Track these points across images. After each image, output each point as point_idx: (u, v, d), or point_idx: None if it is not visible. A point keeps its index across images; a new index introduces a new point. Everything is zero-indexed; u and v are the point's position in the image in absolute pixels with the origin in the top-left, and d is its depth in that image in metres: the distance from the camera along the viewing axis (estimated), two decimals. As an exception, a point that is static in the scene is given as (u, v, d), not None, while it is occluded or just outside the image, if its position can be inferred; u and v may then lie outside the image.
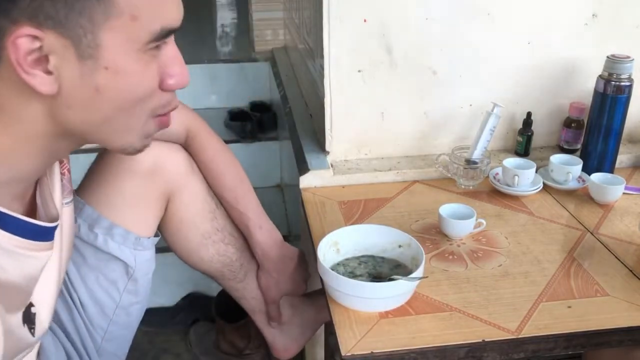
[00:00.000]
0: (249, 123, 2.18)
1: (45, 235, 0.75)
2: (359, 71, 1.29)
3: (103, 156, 1.02)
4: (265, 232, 1.12)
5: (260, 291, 1.16)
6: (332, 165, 1.34)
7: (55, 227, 0.77)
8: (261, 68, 2.34)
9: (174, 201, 1.06)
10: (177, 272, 1.10)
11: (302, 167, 1.32)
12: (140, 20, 0.61)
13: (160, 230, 1.09)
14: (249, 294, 1.18)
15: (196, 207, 1.08)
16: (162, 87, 0.68)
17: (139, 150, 0.74)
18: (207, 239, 1.10)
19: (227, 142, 1.61)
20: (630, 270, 1.02)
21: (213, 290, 1.20)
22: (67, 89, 0.62)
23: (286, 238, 1.16)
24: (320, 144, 1.39)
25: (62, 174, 0.85)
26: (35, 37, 0.58)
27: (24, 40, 0.58)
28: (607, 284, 0.98)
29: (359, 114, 1.33)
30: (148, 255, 1.05)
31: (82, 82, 0.62)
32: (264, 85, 2.36)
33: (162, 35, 0.64)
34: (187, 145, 1.07)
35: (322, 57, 1.27)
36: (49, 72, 0.60)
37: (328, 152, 1.36)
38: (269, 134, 2.23)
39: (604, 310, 0.92)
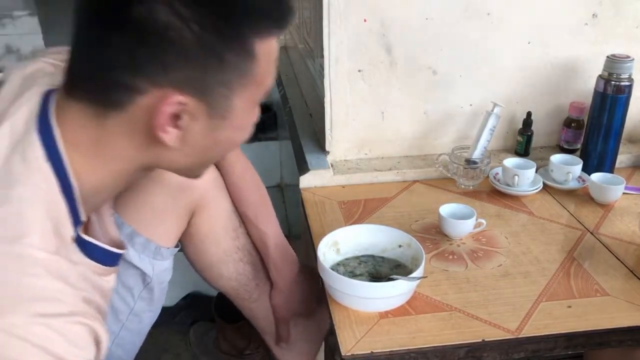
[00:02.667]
0: (249, 123, 2.18)
1: (115, 260, 0.80)
2: (359, 71, 1.29)
3: None
4: (282, 252, 1.13)
5: (272, 309, 1.17)
6: (332, 165, 1.34)
7: (121, 255, 0.81)
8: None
9: (200, 216, 1.06)
10: (177, 272, 1.10)
11: (302, 167, 1.32)
12: (264, 84, 0.69)
13: (182, 242, 1.10)
14: (260, 314, 1.18)
15: (220, 223, 1.09)
16: None
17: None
18: (228, 256, 1.10)
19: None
20: (630, 270, 1.02)
21: (213, 290, 1.20)
22: (190, 141, 0.67)
23: (286, 238, 1.16)
24: (320, 144, 1.39)
25: None
26: (180, 103, 0.63)
27: (169, 106, 0.62)
28: (607, 284, 0.98)
29: (359, 114, 1.33)
30: (166, 265, 1.05)
31: (206, 136, 0.68)
32: (264, 85, 2.36)
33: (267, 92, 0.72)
34: (217, 161, 1.09)
35: (322, 57, 1.27)
36: (178, 128, 0.65)
37: (328, 152, 1.36)
38: (269, 134, 2.22)
39: (604, 310, 0.92)
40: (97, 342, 0.62)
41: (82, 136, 0.66)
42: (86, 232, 0.76)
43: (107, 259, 0.76)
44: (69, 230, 0.66)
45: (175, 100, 0.62)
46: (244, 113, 0.70)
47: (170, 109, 0.63)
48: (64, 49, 0.78)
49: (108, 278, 0.79)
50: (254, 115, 0.73)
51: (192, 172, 0.78)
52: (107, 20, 0.61)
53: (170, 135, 0.65)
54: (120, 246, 0.81)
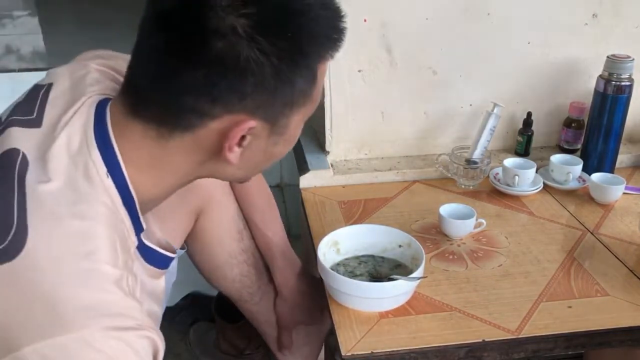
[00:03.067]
0: (249, 123, 2.18)
1: (167, 263, 0.83)
2: (359, 71, 1.29)
3: None
4: (287, 260, 1.13)
5: (276, 317, 1.17)
6: (332, 165, 1.33)
7: (173, 258, 0.84)
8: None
9: (205, 217, 1.07)
10: (177, 272, 1.10)
11: (302, 167, 1.32)
12: (317, 100, 0.72)
13: (187, 244, 1.10)
14: (262, 317, 1.18)
15: (226, 225, 1.09)
16: None
17: None
18: (232, 259, 1.11)
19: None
20: (630, 270, 1.02)
21: (213, 290, 1.20)
22: (248, 157, 0.70)
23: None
24: (320, 144, 1.39)
25: None
26: (251, 128, 0.66)
27: (242, 130, 0.65)
28: (607, 284, 0.98)
29: (359, 114, 1.33)
30: (171, 267, 1.05)
31: (264, 152, 0.72)
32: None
33: None
34: None
35: (322, 57, 1.27)
36: (241, 147, 0.68)
37: (328, 152, 1.36)
38: (269, 134, 2.22)
39: (604, 310, 0.92)
40: (156, 353, 0.63)
41: (142, 154, 0.68)
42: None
43: (162, 262, 0.81)
44: (133, 241, 0.69)
45: (249, 125, 0.65)
46: (298, 128, 0.73)
47: (241, 132, 0.65)
48: (107, 54, 0.80)
49: (160, 280, 0.83)
50: (301, 128, 0.76)
51: (241, 180, 0.81)
52: (186, 52, 0.62)
53: (234, 154, 0.67)
54: (169, 249, 0.85)
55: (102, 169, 0.65)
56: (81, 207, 0.62)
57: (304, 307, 1.15)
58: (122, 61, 0.74)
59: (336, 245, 1.01)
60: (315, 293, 1.13)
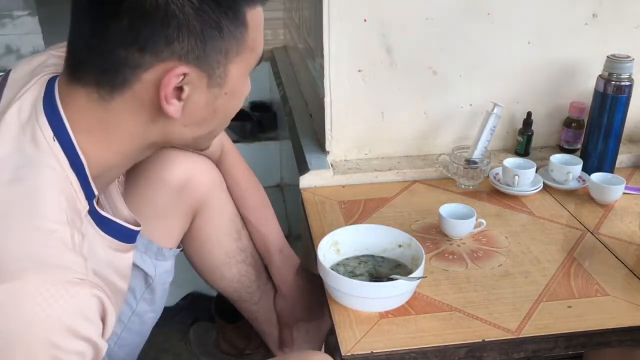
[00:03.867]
0: (248, 123, 2.18)
1: (131, 237, 0.83)
2: (359, 71, 1.29)
3: (136, 165, 1.03)
4: (285, 257, 1.13)
5: (276, 315, 1.17)
6: (332, 165, 1.34)
7: (138, 232, 0.83)
8: (261, 68, 2.33)
9: (202, 216, 1.07)
10: (177, 272, 1.10)
11: (302, 167, 1.32)
12: (255, 50, 0.73)
13: (185, 244, 1.10)
14: (262, 317, 1.18)
15: (223, 225, 1.09)
16: None
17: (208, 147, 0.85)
18: (231, 258, 1.11)
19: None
20: (630, 270, 1.02)
21: (213, 290, 1.20)
22: (190, 112, 0.71)
23: (286, 238, 1.16)
24: (320, 144, 1.39)
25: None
26: (184, 74, 0.67)
27: (175, 78, 0.66)
28: (607, 284, 0.98)
29: (359, 114, 1.33)
30: (168, 266, 1.06)
31: (206, 106, 0.72)
32: (264, 85, 2.36)
33: (259, 60, 0.76)
34: (219, 161, 1.10)
35: (322, 57, 1.27)
36: (181, 100, 0.69)
37: (328, 152, 1.36)
38: (269, 134, 2.22)
39: (604, 310, 0.92)
40: (103, 314, 0.63)
41: (89, 119, 0.69)
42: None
43: (123, 235, 0.79)
44: (83, 204, 0.69)
45: (180, 71, 0.66)
46: (238, 80, 0.73)
47: (174, 80, 0.66)
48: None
49: (125, 255, 0.82)
50: (247, 86, 0.76)
51: (198, 144, 0.80)
52: (107, 4, 0.64)
53: (173, 107, 0.68)
54: (135, 224, 0.84)
55: (49, 132, 0.67)
56: (26, 170, 0.64)
57: (303, 303, 1.15)
58: None
59: (336, 245, 1.01)
60: (314, 289, 1.13)
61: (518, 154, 1.40)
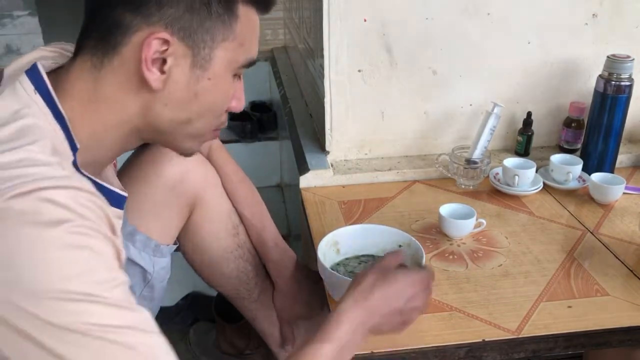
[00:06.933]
0: (249, 123, 2.18)
1: (119, 203, 0.81)
2: (359, 71, 1.29)
3: (132, 162, 1.04)
4: (281, 251, 1.13)
5: (276, 311, 1.17)
6: (332, 165, 1.33)
7: (126, 197, 0.82)
8: (261, 68, 2.33)
9: (198, 212, 1.07)
10: (177, 272, 1.10)
11: (302, 167, 1.32)
12: (244, 47, 0.74)
13: (182, 242, 1.10)
14: (261, 315, 1.18)
15: (221, 220, 1.10)
16: (228, 107, 0.80)
17: (193, 154, 0.85)
18: (228, 254, 1.11)
19: (227, 142, 1.59)
20: (631, 270, 1.02)
21: (213, 290, 1.20)
22: (171, 88, 0.71)
23: (286, 238, 1.16)
24: (320, 144, 1.39)
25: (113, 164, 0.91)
26: (166, 42, 0.68)
27: (157, 41, 0.67)
28: (607, 284, 0.98)
29: (359, 114, 1.33)
30: (165, 263, 1.06)
31: (187, 86, 0.72)
32: (264, 85, 2.36)
33: (248, 64, 0.77)
34: (208, 158, 1.10)
35: (322, 57, 1.27)
36: (162, 72, 0.69)
37: (328, 152, 1.36)
38: (269, 134, 2.22)
39: (604, 310, 0.92)
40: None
41: (79, 86, 0.71)
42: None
43: (112, 199, 0.78)
44: (68, 154, 0.69)
45: (162, 35, 0.67)
46: (223, 70, 0.73)
47: (156, 46, 0.67)
48: (66, 44, 0.82)
49: (120, 221, 0.81)
50: (233, 86, 0.77)
51: (176, 135, 0.78)
52: None
53: (154, 75, 0.69)
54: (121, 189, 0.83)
55: (30, 86, 0.68)
56: (10, 117, 0.65)
57: (302, 299, 1.15)
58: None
59: (336, 245, 1.01)
60: (313, 285, 1.13)
61: (518, 154, 1.40)
